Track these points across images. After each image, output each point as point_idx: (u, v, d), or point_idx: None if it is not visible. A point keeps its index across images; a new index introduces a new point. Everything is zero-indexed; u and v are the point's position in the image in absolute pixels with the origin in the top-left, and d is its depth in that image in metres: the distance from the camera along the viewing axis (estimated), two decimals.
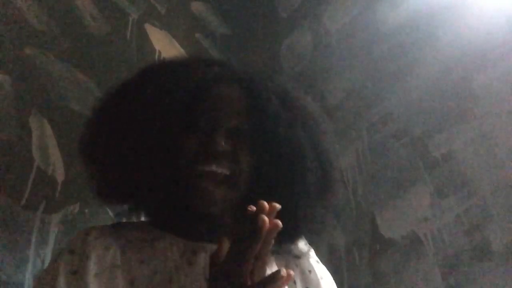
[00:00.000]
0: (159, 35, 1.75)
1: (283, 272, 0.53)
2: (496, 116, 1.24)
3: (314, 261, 0.76)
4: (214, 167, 0.65)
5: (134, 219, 0.76)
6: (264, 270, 0.56)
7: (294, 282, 0.71)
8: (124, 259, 0.64)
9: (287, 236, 0.71)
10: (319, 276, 0.73)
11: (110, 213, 1.21)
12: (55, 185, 1.17)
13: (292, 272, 0.55)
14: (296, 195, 0.70)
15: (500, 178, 1.18)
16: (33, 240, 1.07)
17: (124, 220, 0.75)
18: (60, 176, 1.19)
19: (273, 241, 0.55)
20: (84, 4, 1.47)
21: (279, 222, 0.53)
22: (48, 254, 1.08)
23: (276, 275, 0.53)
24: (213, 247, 0.66)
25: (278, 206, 0.54)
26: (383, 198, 1.44)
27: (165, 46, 1.74)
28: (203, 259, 0.66)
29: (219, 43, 2.07)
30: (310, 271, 0.74)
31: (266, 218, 0.52)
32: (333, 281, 0.76)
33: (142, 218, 0.77)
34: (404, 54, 1.55)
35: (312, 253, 0.78)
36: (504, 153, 1.20)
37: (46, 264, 0.89)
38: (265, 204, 0.53)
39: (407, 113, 1.47)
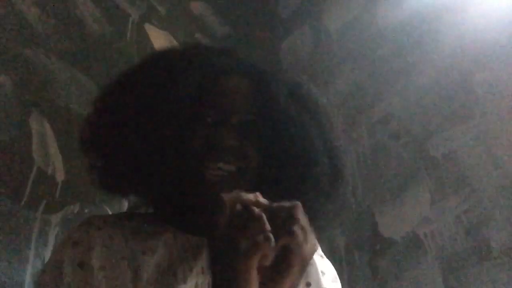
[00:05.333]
0: (159, 35, 1.75)
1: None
2: (496, 116, 1.24)
3: (317, 255, 0.75)
4: (221, 164, 0.64)
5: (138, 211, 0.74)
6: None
7: None
8: (128, 248, 0.63)
9: None
10: (319, 271, 0.72)
11: (110, 213, 1.21)
12: (55, 185, 1.17)
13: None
14: (306, 190, 0.68)
15: (500, 178, 1.18)
16: (33, 240, 1.07)
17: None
18: (60, 176, 1.19)
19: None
20: (84, 4, 1.47)
21: None
22: (48, 254, 1.08)
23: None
24: None
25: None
26: (383, 198, 1.44)
27: (165, 46, 1.74)
28: (207, 254, 0.65)
29: (219, 43, 2.07)
30: (311, 265, 0.72)
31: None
32: (337, 276, 0.75)
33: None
34: (404, 54, 1.55)
35: (317, 247, 0.76)
36: (504, 153, 1.20)
37: None
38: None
39: (407, 113, 1.47)
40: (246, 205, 0.52)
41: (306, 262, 0.54)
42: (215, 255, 0.56)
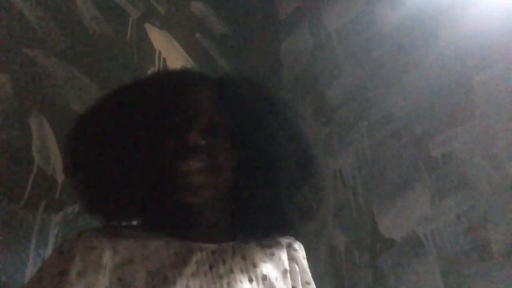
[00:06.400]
0: (159, 35, 1.75)
1: None
2: (496, 116, 1.24)
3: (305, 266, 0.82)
4: (190, 162, 0.69)
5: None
6: None
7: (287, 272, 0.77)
8: (114, 259, 0.66)
9: (277, 227, 0.77)
10: (304, 281, 0.79)
11: None
12: (55, 185, 1.17)
13: None
14: (278, 182, 0.73)
15: (500, 178, 1.18)
16: (33, 240, 1.07)
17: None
18: (60, 176, 1.19)
19: None
20: (84, 4, 1.47)
21: None
22: (48, 254, 1.08)
23: None
24: (207, 246, 0.72)
25: None
26: (383, 198, 1.44)
27: (165, 46, 1.74)
28: (199, 257, 0.69)
29: (219, 43, 2.07)
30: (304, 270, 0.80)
31: None
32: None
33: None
34: (404, 54, 1.55)
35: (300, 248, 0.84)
36: (504, 153, 1.20)
37: None
38: None
39: (407, 113, 1.47)
40: None
41: None
42: None
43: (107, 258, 0.66)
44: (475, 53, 1.35)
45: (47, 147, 1.19)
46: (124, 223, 0.75)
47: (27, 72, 1.22)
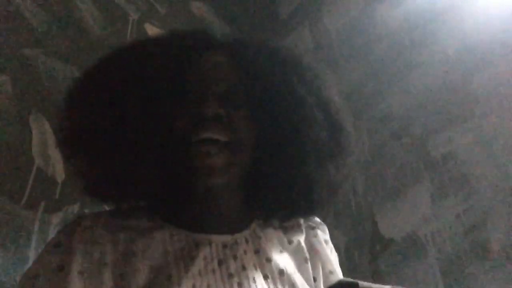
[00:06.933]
0: None
1: None
2: (496, 116, 1.24)
3: (331, 252, 0.74)
4: (210, 134, 0.59)
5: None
6: None
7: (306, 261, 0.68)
8: (115, 253, 0.59)
9: (302, 207, 0.67)
10: (330, 270, 0.72)
11: None
12: (55, 185, 1.17)
13: None
14: (305, 157, 0.64)
15: (500, 178, 1.18)
16: (33, 240, 1.07)
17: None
18: (60, 176, 1.19)
19: None
20: (84, 4, 1.47)
21: None
22: None
23: None
24: (218, 238, 0.63)
25: None
26: (383, 198, 1.44)
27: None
28: (207, 253, 0.61)
29: None
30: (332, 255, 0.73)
31: None
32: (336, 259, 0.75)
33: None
34: (404, 54, 1.55)
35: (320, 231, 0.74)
36: (504, 153, 1.20)
37: None
38: None
39: (407, 113, 1.47)
40: None
41: None
42: None
43: (109, 254, 0.58)
44: (475, 53, 1.35)
45: (47, 147, 1.19)
46: (125, 209, 0.66)
47: (27, 72, 1.22)
